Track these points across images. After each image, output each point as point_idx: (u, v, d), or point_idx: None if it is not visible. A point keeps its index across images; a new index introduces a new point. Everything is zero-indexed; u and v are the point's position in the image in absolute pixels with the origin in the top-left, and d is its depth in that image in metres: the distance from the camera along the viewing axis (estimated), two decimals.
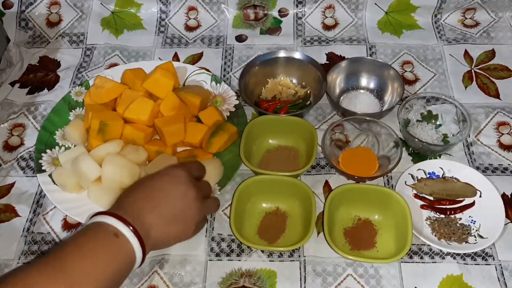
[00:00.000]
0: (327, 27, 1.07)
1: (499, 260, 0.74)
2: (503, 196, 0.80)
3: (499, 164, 0.85)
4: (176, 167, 0.68)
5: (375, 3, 1.07)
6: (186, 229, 0.66)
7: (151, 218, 0.61)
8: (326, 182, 0.83)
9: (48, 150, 0.85)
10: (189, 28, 1.08)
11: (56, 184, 0.80)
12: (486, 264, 0.74)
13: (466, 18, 1.07)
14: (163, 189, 0.64)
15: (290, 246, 0.72)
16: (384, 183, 0.83)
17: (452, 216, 0.78)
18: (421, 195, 0.80)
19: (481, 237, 0.75)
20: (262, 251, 0.75)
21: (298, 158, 0.85)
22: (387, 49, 1.02)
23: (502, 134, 0.88)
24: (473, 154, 0.86)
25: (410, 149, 0.86)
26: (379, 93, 0.93)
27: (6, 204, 0.82)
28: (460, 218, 0.78)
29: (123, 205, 0.62)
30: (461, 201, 0.80)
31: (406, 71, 0.99)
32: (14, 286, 0.51)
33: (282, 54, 0.94)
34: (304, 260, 0.74)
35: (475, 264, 0.74)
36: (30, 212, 0.81)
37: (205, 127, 0.84)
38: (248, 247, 0.75)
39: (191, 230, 0.67)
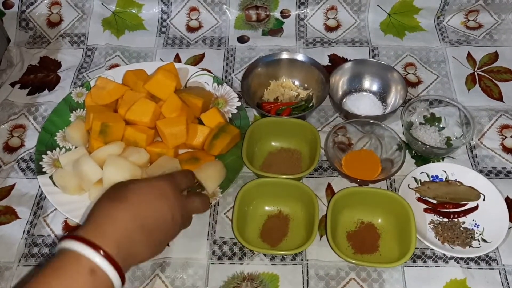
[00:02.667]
0: (329, 29, 1.07)
1: (503, 265, 0.74)
2: (507, 199, 0.80)
3: (502, 168, 0.84)
4: (163, 182, 0.60)
5: (377, 5, 1.06)
6: (163, 248, 0.61)
7: (135, 243, 0.54)
8: (329, 185, 0.82)
9: (48, 152, 0.84)
10: (190, 29, 1.07)
11: (57, 186, 0.80)
12: (489, 269, 0.73)
13: (469, 20, 1.06)
14: (148, 209, 0.56)
15: (293, 249, 0.72)
16: (387, 186, 0.82)
17: (456, 219, 0.78)
18: (424, 198, 0.80)
19: (484, 241, 0.75)
20: (265, 255, 0.75)
21: (300, 161, 0.85)
22: (390, 51, 1.02)
23: (506, 137, 0.88)
24: (476, 157, 0.86)
25: (413, 152, 0.86)
26: (382, 96, 0.93)
27: (6, 206, 0.81)
28: (464, 222, 0.78)
29: (101, 225, 0.53)
30: (464, 205, 0.79)
31: (409, 73, 0.98)
32: None
33: (284, 55, 0.94)
34: (307, 263, 0.74)
35: (478, 269, 0.73)
36: (30, 214, 0.80)
37: (207, 129, 0.83)
38: (250, 250, 0.75)
39: (164, 247, 0.62)
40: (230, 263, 0.74)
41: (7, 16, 1.06)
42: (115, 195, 0.57)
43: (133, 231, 0.54)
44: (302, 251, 0.75)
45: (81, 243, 0.50)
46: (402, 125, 0.86)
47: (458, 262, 0.74)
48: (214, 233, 0.77)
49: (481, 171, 0.83)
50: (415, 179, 0.81)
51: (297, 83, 0.95)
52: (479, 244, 0.75)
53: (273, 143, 0.87)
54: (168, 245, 0.76)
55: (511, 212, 0.77)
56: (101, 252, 0.50)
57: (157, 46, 1.04)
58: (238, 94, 0.91)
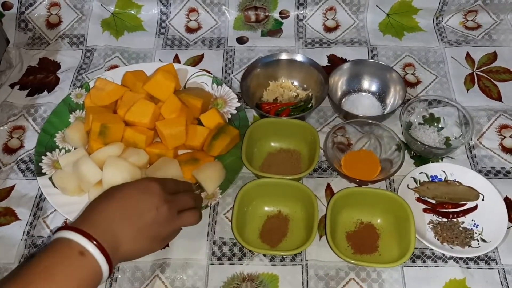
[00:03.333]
0: (328, 29, 1.07)
1: (502, 264, 0.74)
2: (506, 199, 0.80)
3: (501, 167, 0.84)
4: (150, 180, 0.65)
5: (376, 5, 1.06)
6: (154, 244, 0.65)
7: (120, 231, 0.59)
8: (328, 186, 0.83)
9: (48, 153, 0.84)
10: (189, 30, 1.07)
11: (57, 187, 0.80)
12: (489, 268, 0.73)
13: (467, 20, 1.07)
14: (134, 201, 0.62)
15: (292, 250, 0.72)
16: (386, 187, 0.83)
17: (455, 219, 0.78)
18: (423, 198, 0.80)
19: (484, 241, 0.75)
20: (264, 255, 0.75)
21: (300, 161, 0.85)
22: (389, 51, 1.02)
23: (505, 137, 0.88)
24: (475, 157, 0.86)
25: (412, 152, 0.86)
26: (381, 96, 0.93)
27: (6, 207, 0.81)
28: (463, 222, 0.78)
29: (91, 217, 0.60)
30: (463, 205, 0.79)
31: (407, 73, 0.98)
32: None
33: (283, 56, 0.94)
34: (307, 264, 0.74)
35: (478, 268, 0.73)
36: (30, 216, 0.80)
37: (207, 130, 0.83)
38: (250, 251, 0.75)
39: (158, 244, 0.66)
40: (230, 264, 0.74)
41: (6, 17, 1.06)
42: (105, 194, 0.64)
43: (118, 221, 0.60)
44: (301, 252, 0.75)
45: (71, 231, 0.57)
46: (401, 125, 0.86)
47: (457, 262, 0.74)
48: (214, 233, 0.78)
49: (480, 171, 0.83)
50: (414, 179, 0.81)
51: (296, 83, 0.95)
52: (478, 244, 0.75)
53: (272, 144, 0.87)
54: (168, 246, 0.76)
55: (510, 212, 0.77)
56: (89, 237, 0.56)
57: (156, 47, 1.04)
58: (237, 95, 0.91)
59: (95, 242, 0.56)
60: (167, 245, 0.76)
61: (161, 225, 0.63)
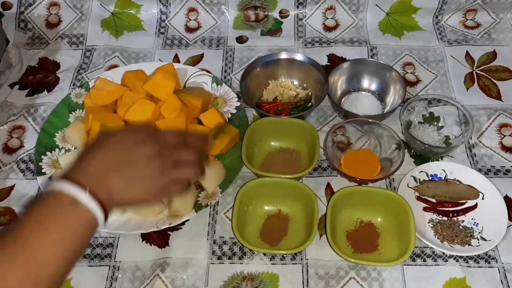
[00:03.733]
0: (328, 29, 1.07)
1: (502, 263, 0.74)
2: (506, 198, 0.80)
3: (501, 166, 0.84)
4: (147, 131, 0.61)
5: (376, 4, 1.06)
6: (148, 196, 0.59)
7: (111, 179, 0.56)
8: (328, 185, 0.83)
9: (48, 153, 0.84)
10: (189, 29, 1.07)
11: None
12: (489, 267, 0.74)
13: (467, 20, 1.07)
14: (126, 151, 0.58)
15: (293, 249, 0.72)
16: (386, 186, 0.83)
17: (455, 218, 0.78)
18: (423, 197, 0.80)
19: (484, 239, 0.75)
20: (264, 254, 0.75)
21: (300, 161, 0.85)
22: (388, 50, 1.02)
23: (504, 136, 0.88)
24: (475, 156, 0.86)
25: (412, 151, 0.86)
26: (380, 95, 0.93)
27: (6, 207, 0.81)
28: (463, 221, 0.78)
29: (82, 166, 0.56)
30: (463, 204, 0.79)
31: (407, 72, 0.99)
32: None
33: (283, 55, 0.94)
34: (307, 263, 0.74)
35: (478, 267, 0.73)
36: None
37: (207, 129, 0.83)
38: (250, 250, 0.75)
39: (153, 196, 0.60)
40: (230, 263, 0.74)
41: (6, 17, 1.06)
42: (98, 140, 0.59)
43: (109, 170, 0.56)
44: (301, 251, 0.75)
45: (61, 181, 0.53)
46: (401, 125, 0.86)
47: (457, 261, 0.74)
48: (214, 233, 0.78)
49: (480, 170, 0.83)
50: (414, 178, 0.81)
51: (296, 83, 0.95)
52: (478, 242, 0.75)
53: (272, 143, 0.87)
54: (168, 245, 0.76)
55: (510, 211, 0.77)
56: (80, 185, 0.52)
57: (156, 46, 1.04)
58: (237, 94, 0.91)
59: (87, 190, 0.53)
60: (168, 244, 0.76)
61: (153, 177, 0.58)
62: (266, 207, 0.79)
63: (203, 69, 0.96)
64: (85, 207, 0.53)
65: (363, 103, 0.92)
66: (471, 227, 0.77)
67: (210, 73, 0.95)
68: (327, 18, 1.08)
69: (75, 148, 0.85)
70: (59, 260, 0.51)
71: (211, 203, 0.77)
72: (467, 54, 1.01)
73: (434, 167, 0.83)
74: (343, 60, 1.00)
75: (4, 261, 0.49)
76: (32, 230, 0.51)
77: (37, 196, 0.83)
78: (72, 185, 0.52)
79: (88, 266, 0.75)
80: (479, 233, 0.76)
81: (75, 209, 0.52)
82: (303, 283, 0.72)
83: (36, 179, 0.81)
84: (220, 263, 0.75)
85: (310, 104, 0.91)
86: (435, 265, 0.74)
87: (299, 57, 0.93)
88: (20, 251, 0.50)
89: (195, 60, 1.01)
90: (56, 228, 0.52)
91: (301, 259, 0.75)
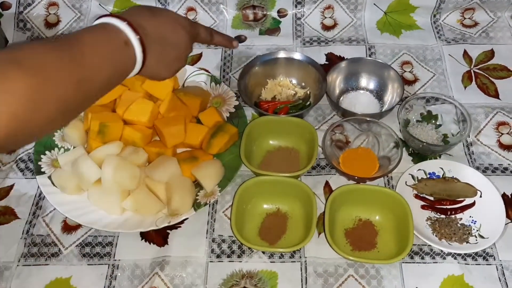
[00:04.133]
0: (326, 28, 1.07)
1: (500, 260, 0.74)
2: (504, 196, 0.80)
3: (499, 164, 0.85)
4: (191, 21, 0.69)
5: (374, 4, 1.07)
6: (167, 75, 0.67)
7: (151, 48, 0.61)
8: (327, 183, 0.83)
9: (47, 152, 0.84)
10: None
11: (56, 186, 0.80)
12: (487, 264, 0.74)
13: (465, 18, 1.07)
14: (171, 31, 0.65)
15: (291, 247, 0.72)
16: (385, 184, 0.83)
17: (453, 216, 0.78)
18: (421, 195, 0.80)
19: (481, 237, 0.75)
20: (263, 252, 0.75)
21: (298, 159, 0.85)
22: (387, 49, 1.02)
23: (502, 134, 0.89)
24: (473, 154, 0.86)
25: (410, 149, 0.86)
26: (379, 94, 0.93)
27: (5, 206, 0.82)
28: (461, 218, 0.78)
29: (136, 18, 0.60)
30: (461, 201, 0.80)
31: (405, 71, 0.99)
32: (28, 60, 0.47)
33: (281, 54, 0.94)
34: (305, 261, 0.74)
35: (476, 264, 0.74)
36: (29, 214, 0.81)
37: (205, 128, 0.84)
38: (249, 248, 0.75)
39: (169, 76, 0.68)
40: (229, 261, 0.75)
41: (4, 17, 1.06)
42: (149, 7, 0.65)
43: (154, 32, 0.61)
44: (300, 249, 0.75)
45: (123, 22, 0.57)
46: (399, 123, 0.86)
47: (455, 258, 0.74)
48: (213, 231, 0.78)
49: (477, 168, 0.84)
50: (412, 176, 0.82)
51: (294, 81, 0.95)
52: (476, 240, 0.75)
53: (271, 142, 0.87)
54: (168, 244, 0.76)
55: (507, 208, 0.78)
56: (135, 30, 0.57)
57: None
58: (235, 93, 0.91)
59: (138, 37, 0.58)
60: (167, 243, 0.76)
61: (180, 63, 0.68)
62: (264, 206, 0.79)
63: (202, 68, 0.96)
64: (133, 50, 0.58)
65: (362, 102, 0.92)
66: (469, 225, 0.77)
67: (209, 72, 0.95)
68: (325, 17, 1.08)
69: (74, 147, 0.85)
70: (101, 76, 0.54)
71: (210, 202, 0.78)
72: (465, 52, 1.01)
73: (432, 165, 0.83)
74: (342, 59, 1.00)
75: (58, 55, 0.50)
76: (89, 48, 0.53)
77: (36, 194, 0.83)
78: (129, 29, 0.57)
79: (88, 265, 0.75)
80: (477, 230, 0.76)
81: (127, 47, 0.57)
82: (301, 281, 0.73)
83: (35, 178, 0.82)
84: (219, 261, 0.75)
85: (308, 103, 0.92)
86: (433, 262, 0.74)
87: (297, 56, 0.94)
88: (74, 51, 0.52)
89: (194, 59, 1.02)
90: (109, 56, 0.56)
91: (300, 257, 0.75)
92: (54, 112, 0.49)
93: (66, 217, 0.79)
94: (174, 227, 0.78)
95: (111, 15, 0.58)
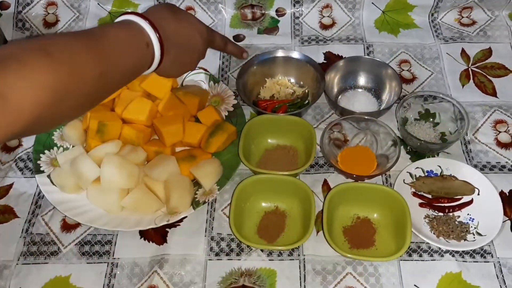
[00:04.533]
0: (324, 27, 1.07)
1: (498, 258, 0.75)
2: (501, 193, 0.80)
3: (496, 162, 0.85)
4: (208, 28, 0.73)
5: (372, 2, 1.07)
6: (178, 74, 0.73)
7: (171, 50, 0.64)
8: (325, 181, 0.83)
9: (46, 151, 0.85)
10: None
11: (55, 185, 0.80)
12: (484, 262, 0.74)
13: (462, 17, 1.07)
14: (188, 36, 0.68)
15: (290, 245, 0.72)
16: (383, 182, 0.83)
17: (451, 214, 0.78)
18: (419, 193, 0.81)
19: (479, 234, 0.75)
20: (262, 250, 0.76)
21: (297, 158, 0.85)
22: (385, 48, 1.03)
23: (500, 132, 0.89)
24: (471, 152, 0.86)
25: (408, 147, 0.87)
26: (377, 92, 0.94)
27: (4, 205, 0.82)
28: (459, 216, 0.78)
29: (158, 21, 0.62)
30: (459, 199, 0.80)
31: (403, 70, 0.99)
32: (58, 52, 0.49)
33: (280, 53, 0.94)
34: (304, 259, 0.75)
35: (474, 262, 0.74)
36: (28, 213, 0.81)
37: (204, 127, 0.84)
38: (248, 246, 0.76)
39: (179, 75, 0.74)
40: (228, 259, 0.75)
41: (3, 16, 1.07)
42: (172, 9, 0.68)
43: (174, 37, 0.65)
44: (299, 247, 0.75)
45: (146, 21, 0.60)
46: (397, 121, 0.86)
47: (453, 256, 0.75)
48: (212, 229, 0.78)
49: (475, 166, 0.84)
50: (410, 174, 0.82)
51: (292, 80, 0.96)
52: (474, 237, 0.75)
53: (269, 140, 0.88)
54: (166, 242, 0.76)
55: (505, 206, 0.78)
56: (157, 34, 0.61)
57: None
58: (234, 92, 0.92)
59: (159, 39, 0.61)
60: (166, 241, 0.76)
61: (192, 66, 0.73)
62: (263, 204, 0.80)
63: (201, 68, 0.96)
64: (153, 51, 0.61)
65: (360, 100, 0.92)
66: (467, 222, 0.77)
67: (207, 71, 0.95)
68: (324, 16, 1.08)
69: (73, 146, 0.85)
70: (121, 71, 0.57)
71: (208, 200, 0.78)
72: (463, 51, 1.01)
73: (430, 163, 0.83)
74: (340, 58, 1.00)
75: (85, 49, 0.52)
76: (112, 43, 0.56)
77: (35, 193, 0.84)
78: (153, 30, 0.60)
79: (87, 263, 0.75)
80: (475, 228, 0.77)
81: (147, 49, 0.60)
82: (300, 279, 0.73)
83: (34, 177, 0.82)
84: (218, 259, 0.75)
85: (307, 101, 0.92)
86: (431, 260, 0.74)
87: (295, 55, 0.94)
88: (100, 45, 0.54)
89: None
90: (129, 48, 0.58)
91: (298, 255, 0.75)
92: (76, 103, 0.51)
93: (65, 216, 0.79)
94: (173, 225, 0.78)
95: (135, 13, 0.61)
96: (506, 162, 0.85)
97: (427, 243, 0.75)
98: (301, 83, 0.95)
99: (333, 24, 1.07)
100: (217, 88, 0.92)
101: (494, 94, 0.95)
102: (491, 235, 0.74)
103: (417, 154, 0.86)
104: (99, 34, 0.56)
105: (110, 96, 0.85)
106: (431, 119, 0.89)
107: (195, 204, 0.77)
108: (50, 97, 0.46)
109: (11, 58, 0.45)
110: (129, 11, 0.62)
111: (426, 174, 0.82)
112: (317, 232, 0.77)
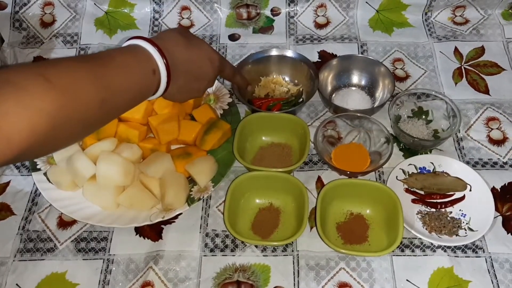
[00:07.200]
0: (319, 26, 1.08)
1: (489, 253, 0.75)
2: (493, 190, 0.81)
3: (488, 159, 0.86)
4: (218, 55, 0.71)
5: (366, 2, 1.08)
6: (184, 100, 0.71)
7: (179, 79, 0.63)
8: (319, 178, 0.84)
9: None
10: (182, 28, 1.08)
11: (51, 183, 0.81)
12: (476, 257, 0.75)
13: (456, 16, 1.08)
14: (198, 64, 0.66)
15: (284, 240, 0.73)
16: (376, 178, 0.84)
17: (443, 209, 0.79)
18: (412, 189, 0.81)
19: (471, 230, 0.76)
20: (256, 246, 0.76)
21: (291, 155, 0.86)
22: (378, 46, 1.04)
23: (492, 129, 0.90)
24: (463, 149, 0.87)
25: (401, 144, 0.88)
26: (370, 90, 0.95)
27: (1, 203, 0.83)
28: (451, 212, 0.79)
29: (166, 45, 0.61)
30: (451, 195, 0.81)
31: (397, 68, 1.00)
32: (58, 78, 0.47)
33: (274, 52, 0.95)
34: (298, 254, 0.75)
35: (465, 257, 0.75)
36: (25, 210, 0.81)
37: (199, 125, 0.85)
38: (242, 242, 0.76)
39: (200, 93, 0.71)
40: (222, 255, 0.76)
41: (0, 16, 1.07)
42: (185, 35, 0.66)
43: (183, 65, 0.63)
44: (292, 242, 0.76)
45: (155, 48, 0.59)
46: (390, 119, 0.87)
47: (445, 251, 0.75)
48: (207, 226, 0.79)
49: (468, 163, 0.85)
50: (403, 171, 0.83)
51: (287, 79, 0.97)
52: (466, 233, 0.76)
53: (264, 138, 0.88)
54: (162, 238, 0.77)
55: (497, 202, 0.79)
56: (165, 61, 0.60)
57: None
58: (229, 91, 0.92)
59: (166, 67, 0.59)
60: (161, 238, 0.77)
61: (200, 94, 0.71)
62: (257, 200, 0.80)
63: None
64: (159, 78, 0.59)
65: (353, 98, 0.93)
66: (459, 218, 0.78)
67: None
68: (318, 16, 1.09)
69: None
70: (124, 98, 0.55)
71: (203, 197, 0.79)
72: (456, 49, 1.02)
73: (422, 160, 0.84)
74: (334, 56, 1.01)
75: (87, 75, 0.51)
76: (115, 70, 0.54)
77: (32, 191, 0.84)
78: (160, 57, 0.59)
79: (83, 259, 0.76)
80: (467, 223, 0.77)
81: (154, 76, 0.59)
82: (294, 274, 0.74)
83: (31, 175, 0.83)
84: (212, 255, 0.76)
85: (301, 99, 0.93)
86: (424, 255, 0.75)
87: (290, 53, 0.95)
88: (103, 72, 0.53)
89: None
90: (135, 75, 0.57)
91: (292, 251, 0.76)
92: (75, 130, 0.50)
93: (62, 213, 0.80)
94: (168, 222, 0.79)
95: (143, 38, 0.60)
96: (498, 158, 0.86)
97: (420, 238, 0.76)
98: (296, 81, 0.96)
99: (327, 23, 1.08)
100: (212, 87, 0.93)
101: (486, 91, 0.96)
102: (482, 230, 0.75)
103: (410, 151, 0.87)
104: (103, 59, 0.54)
105: None
106: (424, 117, 0.89)
107: (190, 201, 0.78)
108: (47, 124, 0.44)
109: (7, 82, 0.43)
110: (138, 35, 0.61)
111: (419, 170, 0.83)
112: (311, 228, 0.78)
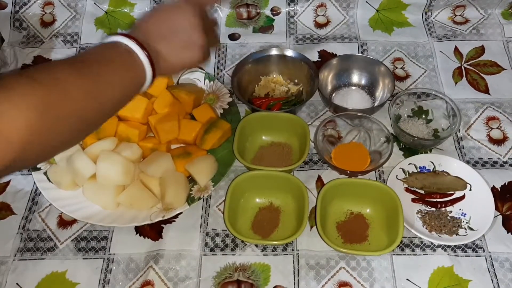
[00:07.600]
0: (319, 25, 1.08)
1: (489, 252, 0.75)
2: (493, 189, 0.81)
3: (488, 158, 0.86)
4: (188, 4, 0.64)
5: (366, 1, 1.08)
6: (193, 55, 0.63)
7: (160, 45, 0.60)
8: (319, 177, 0.84)
9: None
10: None
11: (51, 182, 0.81)
12: (476, 256, 0.75)
13: (456, 15, 1.08)
14: (172, 20, 0.62)
15: (284, 240, 0.73)
16: (376, 178, 0.84)
17: (443, 209, 0.79)
18: (412, 189, 0.82)
19: (471, 229, 0.76)
20: (256, 245, 0.76)
21: (291, 154, 0.86)
22: (378, 46, 1.04)
23: (492, 128, 0.90)
24: (463, 148, 0.87)
25: (401, 144, 0.88)
26: (370, 89, 0.95)
27: (1, 202, 0.83)
28: (451, 211, 0.79)
29: (135, 32, 0.59)
30: (451, 195, 0.81)
31: (397, 67, 1.00)
32: (41, 75, 0.47)
33: (274, 52, 0.95)
34: (298, 253, 0.75)
35: (465, 256, 0.75)
36: (25, 210, 0.82)
37: (199, 124, 0.85)
38: (242, 241, 0.76)
39: (197, 56, 0.63)
40: (223, 254, 0.76)
41: (0, 16, 1.07)
42: (149, 13, 0.63)
43: (155, 36, 0.60)
44: (292, 241, 0.76)
45: (119, 36, 0.57)
46: (390, 118, 0.87)
47: (445, 250, 0.75)
48: (207, 225, 0.79)
49: (468, 162, 0.85)
50: (403, 170, 0.83)
51: (287, 78, 0.97)
52: (466, 232, 0.76)
53: (264, 137, 0.88)
54: (162, 237, 0.77)
55: (497, 201, 0.79)
56: (138, 43, 0.56)
57: None
58: (229, 90, 0.92)
59: (144, 51, 0.57)
60: (161, 237, 0.77)
61: (197, 43, 0.63)
62: (257, 200, 0.81)
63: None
64: (141, 63, 0.56)
65: (353, 98, 0.93)
66: (459, 217, 0.78)
67: (203, 69, 0.96)
68: (318, 15, 1.09)
69: None
70: (112, 89, 0.54)
71: (203, 196, 0.79)
72: (456, 49, 1.02)
73: (422, 159, 0.84)
74: (334, 56, 1.01)
75: (71, 70, 0.50)
76: (98, 62, 0.53)
77: (34, 188, 0.84)
78: (135, 44, 0.56)
79: (83, 259, 0.76)
80: (467, 223, 0.77)
81: (130, 55, 0.56)
82: (294, 273, 0.74)
83: (31, 174, 0.83)
84: (212, 254, 0.76)
85: (301, 99, 0.93)
86: (424, 254, 0.75)
87: (290, 53, 0.95)
88: (85, 61, 0.53)
89: None
90: (117, 70, 0.55)
91: (292, 250, 0.76)
92: (70, 125, 0.50)
93: (62, 212, 0.80)
94: (168, 221, 0.79)
95: (120, 34, 0.58)
96: (498, 158, 0.86)
97: (420, 237, 0.76)
98: (296, 81, 0.96)
99: (327, 23, 1.08)
100: (212, 86, 0.93)
101: (486, 91, 0.96)
102: (482, 229, 0.75)
103: (410, 150, 0.87)
104: (82, 55, 0.55)
105: None
106: (424, 116, 0.89)
107: (190, 200, 0.78)
108: (42, 120, 0.45)
109: None
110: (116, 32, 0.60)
111: (419, 170, 0.83)
112: (311, 227, 0.78)
